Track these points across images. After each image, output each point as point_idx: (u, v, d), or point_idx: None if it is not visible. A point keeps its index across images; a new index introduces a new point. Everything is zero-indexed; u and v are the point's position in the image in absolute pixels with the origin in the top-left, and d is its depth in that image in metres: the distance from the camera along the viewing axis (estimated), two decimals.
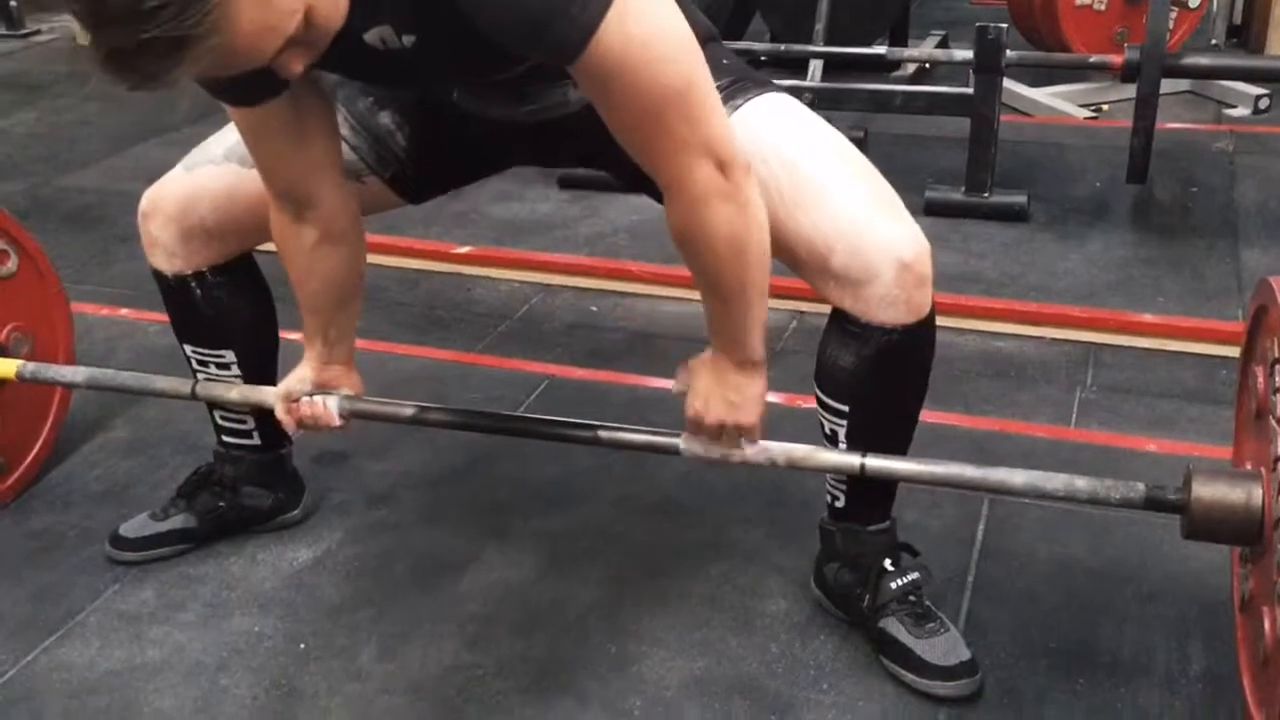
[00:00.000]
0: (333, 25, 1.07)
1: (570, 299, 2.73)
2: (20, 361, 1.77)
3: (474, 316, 2.66)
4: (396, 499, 1.94)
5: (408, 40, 1.22)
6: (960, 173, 3.03)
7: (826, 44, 3.54)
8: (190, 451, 2.01)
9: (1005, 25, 2.92)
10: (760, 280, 1.28)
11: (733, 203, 1.20)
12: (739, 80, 1.45)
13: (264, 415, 1.72)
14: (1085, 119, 3.79)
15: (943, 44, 4.43)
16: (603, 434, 1.50)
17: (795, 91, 3.11)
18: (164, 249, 1.61)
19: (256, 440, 1.77)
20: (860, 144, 3.39)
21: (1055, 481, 1.36)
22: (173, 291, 1.65)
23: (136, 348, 2.50)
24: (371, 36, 1.22)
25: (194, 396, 1.65)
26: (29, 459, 1.95)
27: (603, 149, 1.26)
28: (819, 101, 3.15)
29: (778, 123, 1.41)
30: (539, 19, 1.08)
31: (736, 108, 1.41)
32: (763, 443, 1.41)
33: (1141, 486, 1.33)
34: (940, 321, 2.43)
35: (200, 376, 1.70)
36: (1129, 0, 3.89)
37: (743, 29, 4.31)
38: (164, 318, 2.54)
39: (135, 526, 1.78)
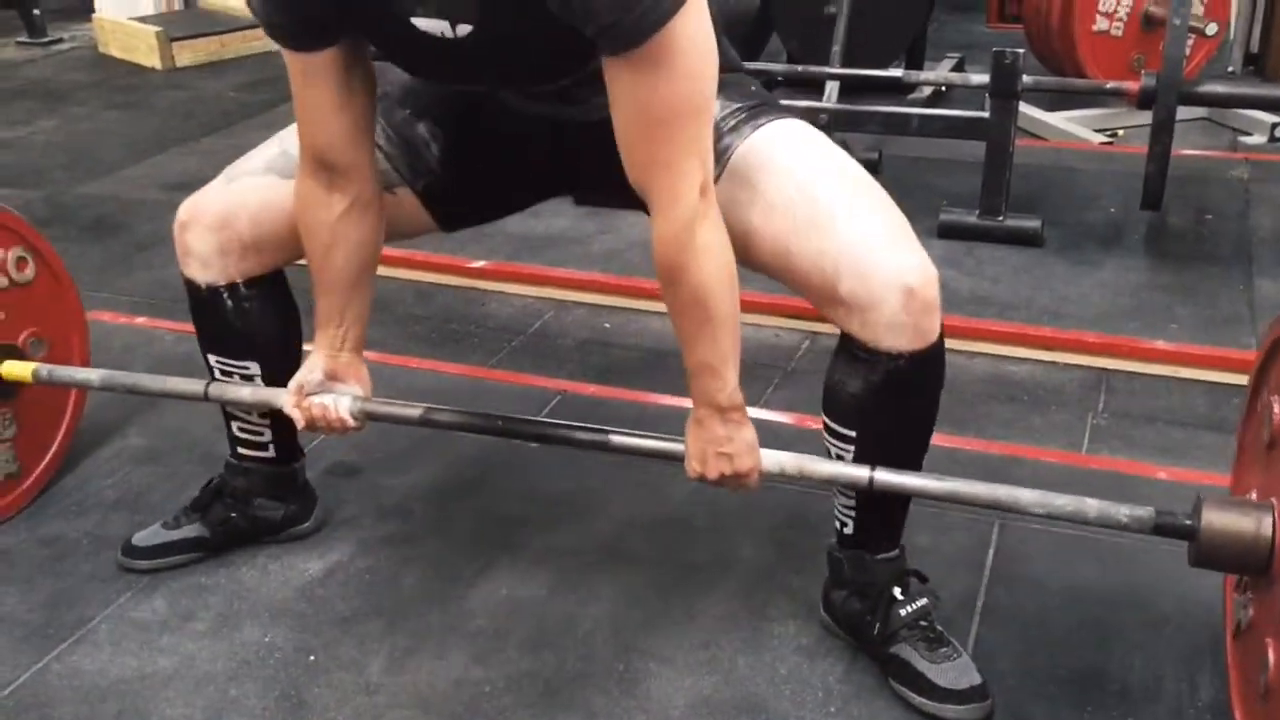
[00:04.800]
0: None
1: (584, 315, 2.74)
2: (36, 364, 1.79)
3: (488, 331, 2.67)
4: (408, 512, 1.94)
5: (462, 30, 1.26)
6: (974, 196, 3.03)
7: (843, 66, 3.55)
8: (204, 460, 2.02)
9: (1021, 50, 2.92)
10: (736, 303, 1.33)
11: (712, 222, 1.28)
12: (762, 104, 1.50)
13: (280, 428, 1.74)
14: (1100, 144, 3.79)
15: (959, 67, 4.44)
16: (614, 439, 1.51)
17: (811, 113, 3.16)
18: (199, 259, 1.62)
19: (271, 453, 1.78)
20: (875, 165, 3.46)
21: (1064, 501, 1.37)
22: (204, 302, 1.66)
23: (153, 355, 2.51)
24: (423, 22, 1.26)
25: (207, 398, 1.67)
26: (45, 462, 1.96)
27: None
28: (835, 123, 3.17)
29: (797, 146, 1.45)
30: None
31: (759, 126, 1.45)
32: (773, 452, 1.43)
33: (1151, 510, 1.33)
34: (952, 344, 2.44)
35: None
36: (1145, 26, 3.89)
37: (760, 49, 4.33)
38: (180, 326, 2.61)
39: (148, 535, 1.79)
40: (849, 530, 1.56)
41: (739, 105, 1.46)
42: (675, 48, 1.19)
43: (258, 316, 1.65)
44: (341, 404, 1.55)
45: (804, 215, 1.38)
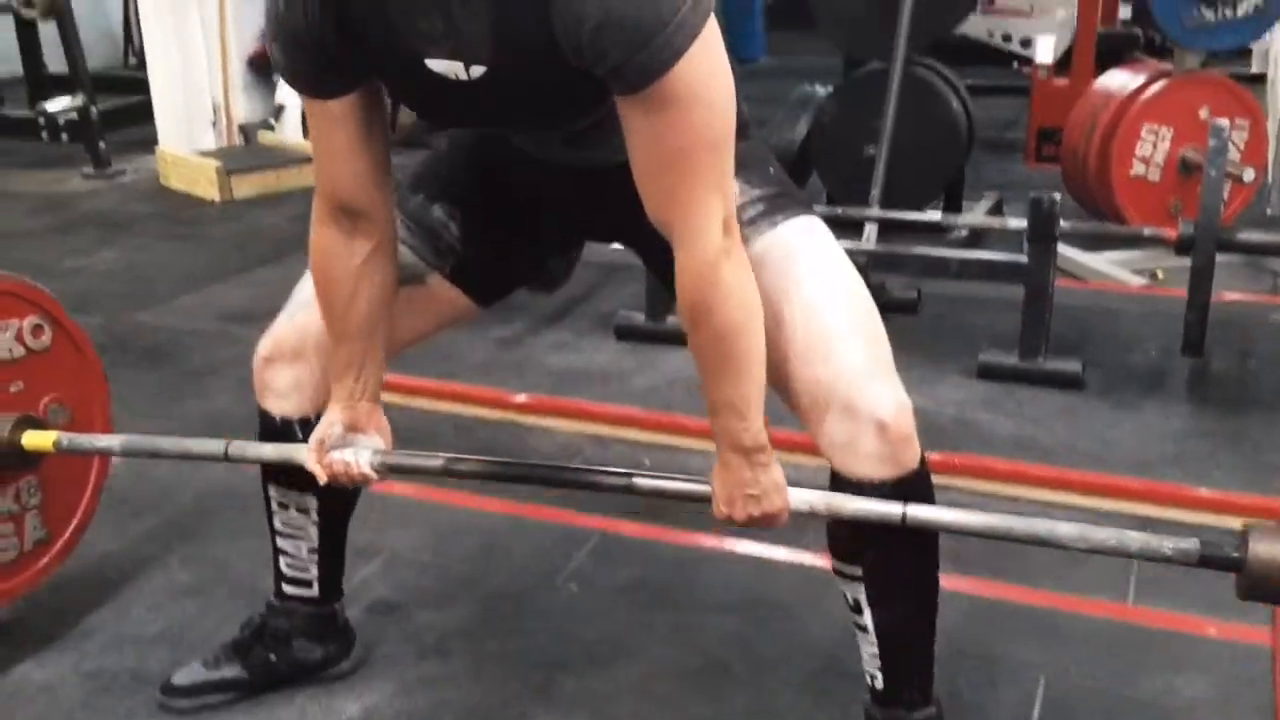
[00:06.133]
0: None
1: (623, 451, 2.75)
2: (57, 433, 1.80)
3: None
4: (446, 651, 1.94)
5: (476, 72, 1.28)
6: (1014, 335, 3.05)
7: (882, 205, 3.61)
8: (247, 595, 2.03)
9: (1059, 196, 2.96)
10: (761, 341, 1.34)
11: (735, 260, 1.28)
12: (782, 194, 1.50)
13: (326, 565, 1.77)
14: (1140, 286, 3.81)
15: (997, 206, 4.49)
16: (639, 482, 1.50)
17: (851, 254, 3.19)
18: (277, 393, 1.65)
19: (315, 591, 1.79)
20: (914, 304, 3.46)
21: (1105, 534, 1.35)
22: (276, 434, 1.67)
23: (200, 484, 2.53)
24: (436, 64, 1.29)
25: (228, 457, 1.66)
26: (72, 526, 1.97)
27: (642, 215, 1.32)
28: (874, 264, 3.22)
29: (805, 255, 1.46)
30: (645, 29, 1.16)
31: (774, 224, 1.46)
32: (801, 491, 1.42)
33: (1196, 542, 1.32)
34: (994, 488, 2.48)
35: (277, 521, 1.74)
36: (1183, 171, 3.94)
37: (799, 187, 4.41)
38: None
39: (187, 674, 1.80)
40: (879, 685, 1.54)
41: (759, 194, 1.46)
42: (689, 83, 1.20)
43: None
44: (362, 457, 1.55)
45: (803, 341, 1.40)
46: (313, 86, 1.39)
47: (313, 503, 1.71)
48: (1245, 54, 5.83)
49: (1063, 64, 5.20)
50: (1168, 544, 1.32)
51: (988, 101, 5.65)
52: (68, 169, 5.77)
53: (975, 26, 5.48)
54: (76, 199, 5.37)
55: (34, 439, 1.80)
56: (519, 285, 1.78)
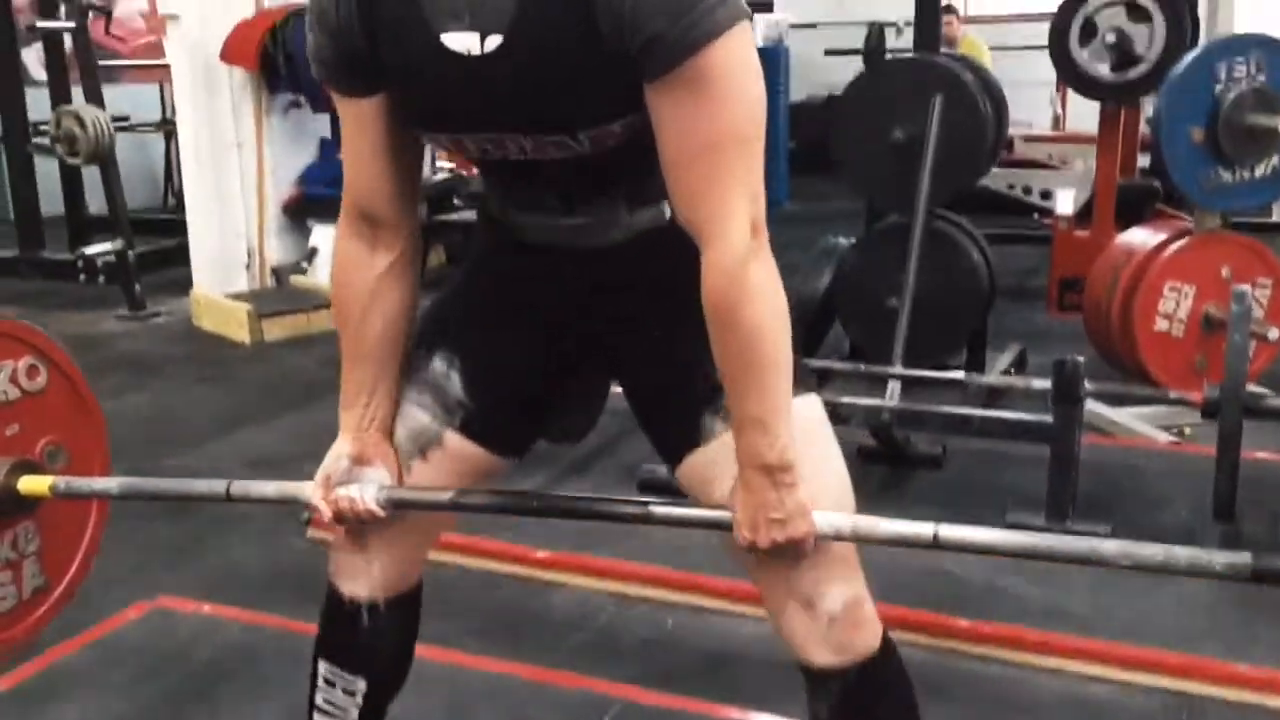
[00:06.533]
0: None
1: (645, 612, 2.71)
2: (53, 478, 1.76)
3: (548, 626, 2.65)
4: None
5: (491, 43, 1.27)
6: (1041, 494, 3.01)
7: (905, 357, 3.63)
8: None
9: (1082, 358, 2.96)
10: (789, 351, 1.31)
11: (764, 262, 1.27)
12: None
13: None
14: (1168, 443, 3.78)
15: (1020, 357, 4.50)
16: (655, 510, 1.47)
17: (873, 411, 3.21)
18: (349, 574, 1.60)
19: None
20: (939, 460, 3.43)
21: (1152, 550, 1.29)
22: (341, 613, 1.63)
23: (218, 646, 2.49)
24: (453, 39, 1.28)
25: (229, 497, 1.63)
26: (71, 572, 1.93)
27: (647, 333, 1.38)
28: (897, 421, 3.21)
29: (799, 447, 1.43)
30: (685, 1, 1.17)
31: None
32: (828, 514, 1.37)
33: (1248, 556, 1.25)
34: (1026, 659, 2.42)
35: (319, 697, 1.70)
36: (1205, 328, 3.94)
37: (821, 337, 4.46)
38: (249, 615, 2.62)
39: None
40: None
41: None
42: (722, 69, 1.20)
43: (385, 637, 1.64)
44: (368, 493, 1.50)
45: None
46: (337, 78, 1.40)
47: (361, 685, 1.66)
48: (1267, 204, 5.90)
49: (1083, 214, 5.27)
50: (1219, 559, 1.27)
51: (1008, 250, 5.71)
52: (103, 310, 5.87)
53: (995, 179, 5.57)
54: (110, 340, 5.45)
55: (30, 484, 1.76)
56: (535, 431, 1.72)
